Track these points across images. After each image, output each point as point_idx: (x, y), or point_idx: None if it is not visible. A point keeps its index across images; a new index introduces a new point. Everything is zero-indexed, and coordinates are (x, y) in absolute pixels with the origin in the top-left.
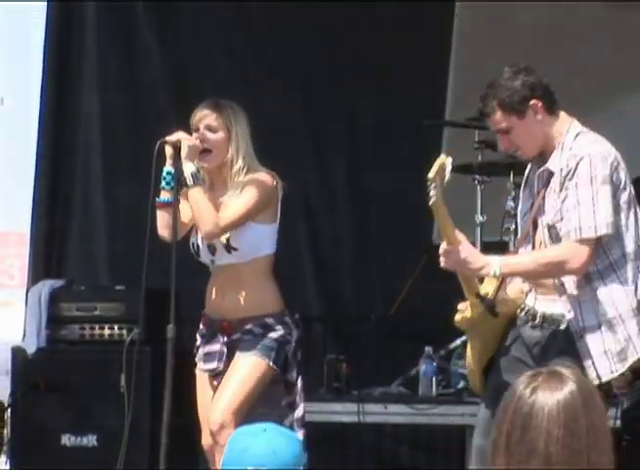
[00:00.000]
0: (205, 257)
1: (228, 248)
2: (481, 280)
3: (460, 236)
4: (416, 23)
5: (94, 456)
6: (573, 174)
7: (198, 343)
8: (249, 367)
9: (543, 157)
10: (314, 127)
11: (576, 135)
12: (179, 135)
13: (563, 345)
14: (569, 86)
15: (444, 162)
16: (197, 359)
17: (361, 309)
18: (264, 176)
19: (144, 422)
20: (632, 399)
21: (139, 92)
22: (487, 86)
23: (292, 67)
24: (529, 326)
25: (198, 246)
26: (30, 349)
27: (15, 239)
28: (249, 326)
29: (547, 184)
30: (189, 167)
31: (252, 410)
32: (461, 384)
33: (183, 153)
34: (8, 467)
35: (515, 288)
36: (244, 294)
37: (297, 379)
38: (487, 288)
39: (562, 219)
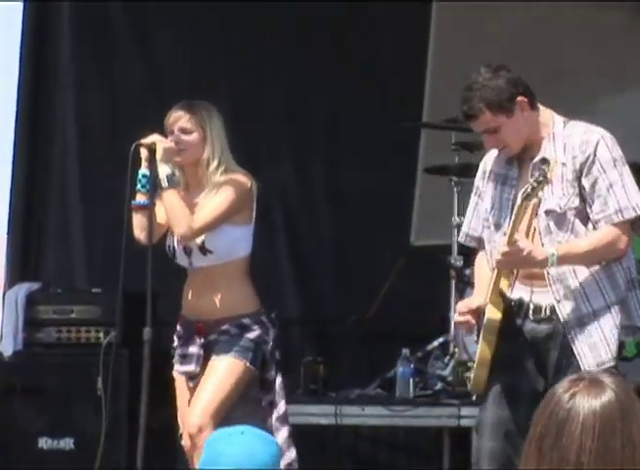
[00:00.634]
0: (181, 259)
1: (203, 250)
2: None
3: (516, 235)
4: (398, 23)
5: (71, 460)
6: (594, 158)
7: (175, 344)
8: (226, 369)
9: (527, 149)
10: (295, 127)
11: (564, 124)
12: (154, 138)
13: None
14: (549, 88)
15: None
16: (174, 361)
17: (339, 311)
18: (240, 177)
19: (121, 425)
20: None
21: (116, 92)
22: (467, 88)
23: (273, 66)
24: (532, 320)
25: (174, 248)
26: (7, 351)
27: None
28: (225, 327)
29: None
30: (164, 170)
31: (232, 412)
32: (438, 386)
33: (158, 155)
34: None
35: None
36: (219, 295)
37: (275, 377)
38: (503, 285)
39: (585, 204)
